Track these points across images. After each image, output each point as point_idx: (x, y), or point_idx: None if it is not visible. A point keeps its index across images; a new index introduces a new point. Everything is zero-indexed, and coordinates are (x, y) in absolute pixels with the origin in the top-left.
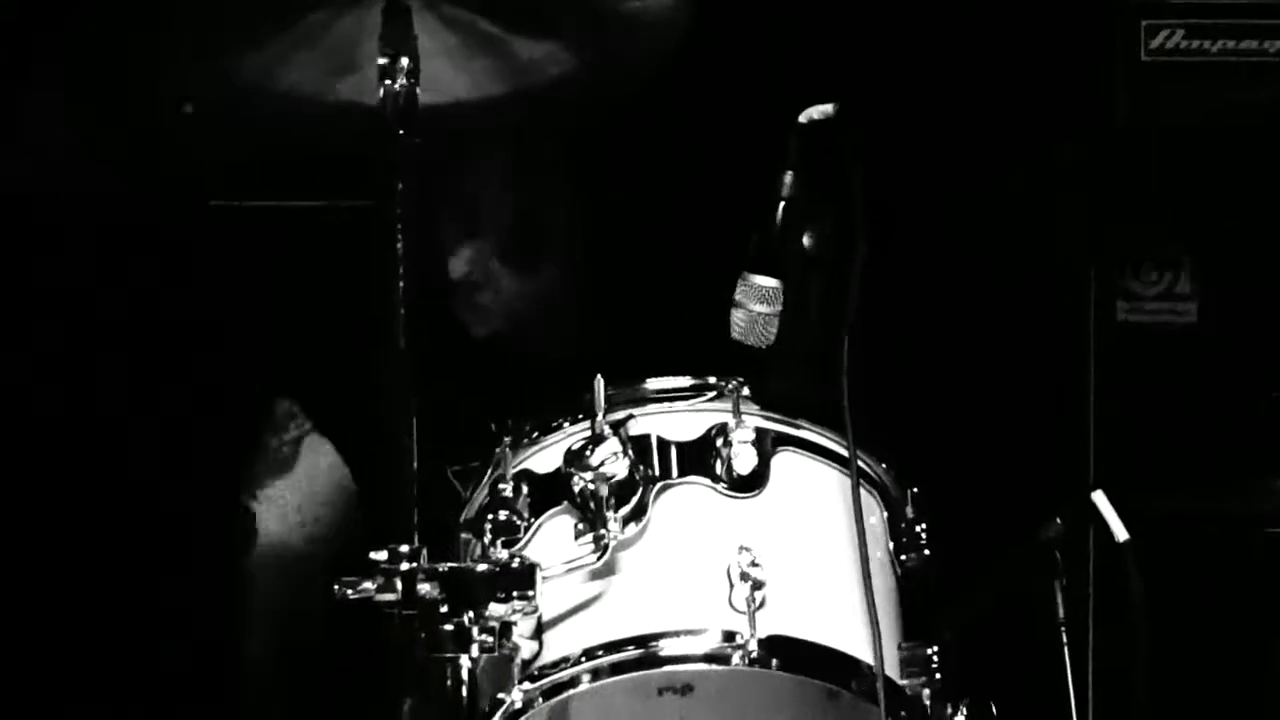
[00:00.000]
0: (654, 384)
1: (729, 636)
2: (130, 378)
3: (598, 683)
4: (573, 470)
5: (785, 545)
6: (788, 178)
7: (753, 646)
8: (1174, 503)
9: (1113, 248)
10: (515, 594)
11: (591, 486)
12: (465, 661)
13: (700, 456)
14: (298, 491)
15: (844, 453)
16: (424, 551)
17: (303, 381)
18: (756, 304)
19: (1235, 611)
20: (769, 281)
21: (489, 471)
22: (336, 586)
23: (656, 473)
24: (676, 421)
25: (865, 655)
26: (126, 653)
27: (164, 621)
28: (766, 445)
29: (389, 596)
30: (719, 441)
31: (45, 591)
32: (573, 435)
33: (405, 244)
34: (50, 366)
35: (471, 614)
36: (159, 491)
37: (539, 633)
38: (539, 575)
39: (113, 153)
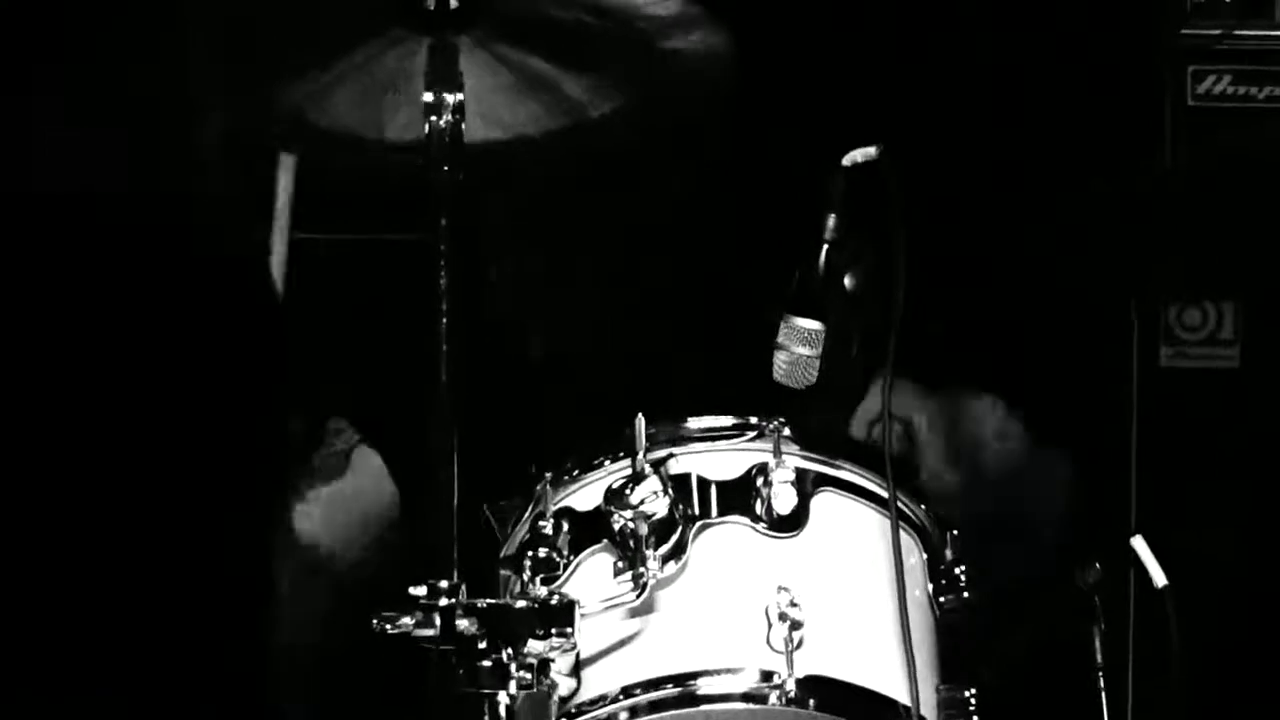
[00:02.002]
0: (695, 423)
1: (766, 676)
2: (171, 401)
3: None
4: (613, 508)
5: (824, 586)
6: (831, 220)
7: (790, 686)
8: (1216, 546)
9: (1157, 292)
10: (554, 631)
11: (631, 525)
12: (503, 698)
13: (740, 496)
14: (343, 522)
15: (884, 494)
16: (463, 587)
17: (348, 411)
18: (799, 346)
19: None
20: (812, 324)
21: (530, 508)
22: (375, 621)
23: (696, 512)
24: (717, 461)
25: (903, 697)
26: (162, 672)
27: (202, 653)
28: (806, 485)
29: (428, 632)
30: (759, 481)
31: (91, 613)
32: (613, 473)
33: (449, 278)
34: (85, 386)
35: (510, 650)
36: (195, 514)
37: (577, 670)
38: (578, 612)
39: (153, 184)
